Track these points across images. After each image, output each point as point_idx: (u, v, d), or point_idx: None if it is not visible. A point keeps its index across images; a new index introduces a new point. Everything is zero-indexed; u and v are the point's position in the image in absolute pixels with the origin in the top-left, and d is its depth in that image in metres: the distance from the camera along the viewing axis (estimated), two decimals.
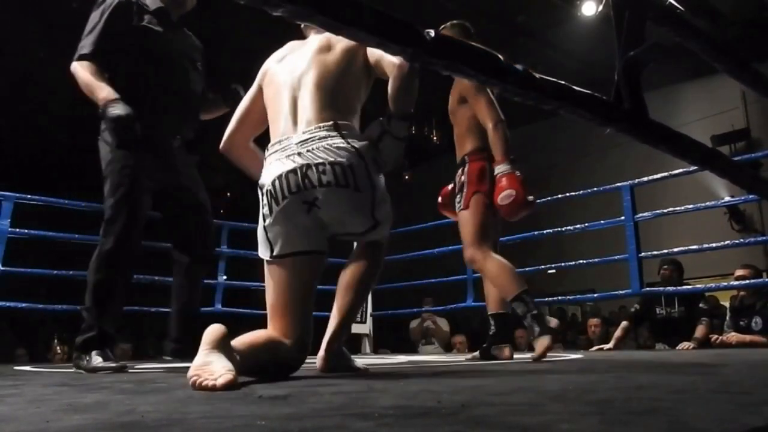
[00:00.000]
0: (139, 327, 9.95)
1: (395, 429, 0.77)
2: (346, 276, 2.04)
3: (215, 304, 4.95)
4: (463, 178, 3.05)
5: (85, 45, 2.53)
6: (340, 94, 1.92)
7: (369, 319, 5.47)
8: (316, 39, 2.01)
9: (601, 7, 7.08)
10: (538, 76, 1.07)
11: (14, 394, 1.42)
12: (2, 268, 3.87)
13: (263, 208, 1.83)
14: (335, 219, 1.82)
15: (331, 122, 1.84)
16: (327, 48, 1.96)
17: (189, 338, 2.55)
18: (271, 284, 1.85)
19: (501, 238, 4.87)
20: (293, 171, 1.77)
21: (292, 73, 1.96)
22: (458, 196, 3.07)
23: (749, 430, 0.71)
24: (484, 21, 7.67)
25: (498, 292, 3.02)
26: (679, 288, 4.59)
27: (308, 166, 1.77)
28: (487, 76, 1.00)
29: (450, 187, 3.26)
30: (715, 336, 4.36)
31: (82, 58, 2.51)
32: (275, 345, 1.73)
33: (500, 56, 1.02)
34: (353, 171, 1.78)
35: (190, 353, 1.74)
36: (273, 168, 1.82)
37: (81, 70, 2.49)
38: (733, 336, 4.24)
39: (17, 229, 4.02)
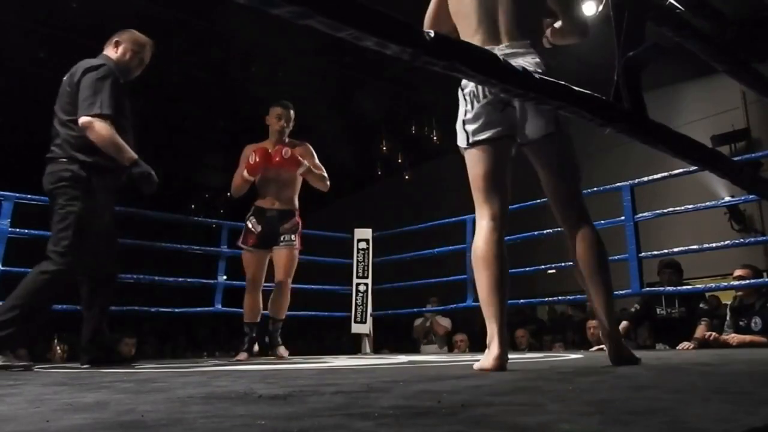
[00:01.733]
0: (140, 327, 9.96)
1: (395, 429, 0.77)
2: (581, 259, 2.09)
3: (215, 304, 4.96)
4: (297, 222, 4.15)
5: (104, 105, 2.88)
6: (532, 17, 2.20)
7: (369, 319, 5.47)
8: None
9: (601, 7, 7.07)
10: (537, 76, 1.07)
11: (14, 393, 1.42)
12: (2, 268, 3.87)
13: (465, 105, 2.12)
14: (523, 119, 2.06)
15: (528, 41, 2.12)
16: None
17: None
18: (471, 172, 2.15)
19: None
20: None
21: None
22: (293, 235, 4.09)
23: (749, 430, 0.71)
24: None
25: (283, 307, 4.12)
26: (679, 288, 4.59)
27: None
28: (487, 76, 1.00)
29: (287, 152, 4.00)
30: (711, 333, 4.35)
31: (104, 117, 2.87)
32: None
33: (500, 56, 1.02)
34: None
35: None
36: None
37: (107, 128, 2.87)
38: (733, 337, 4.23)
39: (17, 229, 4.02)
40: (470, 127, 2.10)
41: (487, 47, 2.03)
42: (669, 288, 4.55)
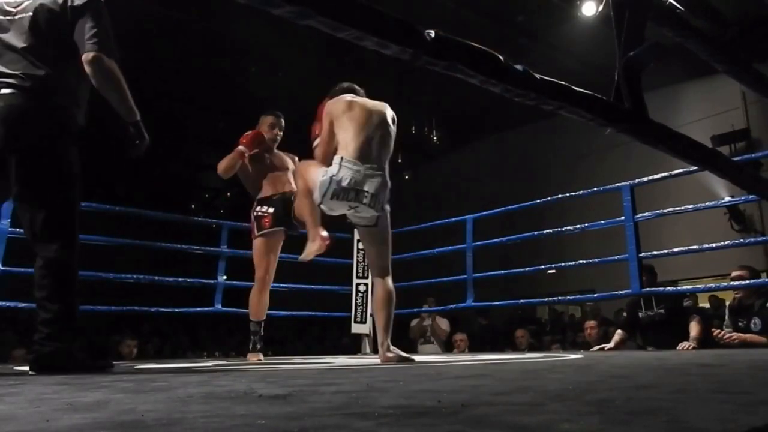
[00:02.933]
0: (140, 327, 9.96)
1: (395, 428, 0.77)
2: (375, 303, 3.24)
3: (215, 304, 4.95)
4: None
5: (111, 43, 2.40)
6: (389, 151, 3.18)
7: (369, 320, 5.47)
8: (383, 105, 3.27)
9: (601, 8, 7.07)
10: (538, 76, 1.07)
11: (14, 393, 1.42)
12: (2, 268, 3.87)
13: (330, 189, 2.93)
14: (361, 219, 3.10)
15: (381, 165, 3.07)
16: (392, 119, 3.26)
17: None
18: (307, 208, 3.13)
19: (503, 239, 5.04)
20: (353, 189, 2.95)
21: (368, 121, 3.11)
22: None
23: (749, 430, 0.71)
24: (483, 21, 7.68)
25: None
26: (678, 288, 4.58)
27: (360, 190, 2.95)
28: (487, 77, 1.00)
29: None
30: (720, 331, 4.33)
31: (112, 56, 2.39)
32: None
33: (500, 56, 1.02)
34: (380, 199, 3.00)
35: None
36: (345, 176, 2.95)
37: (119, 72, 2.41)
38: (735, 336, 4.21)
39: (17, 229, 4.02)
40: (328, 200, 2.96)
41: (356, 160, 2.98)
42: (669, 288, 4.54)
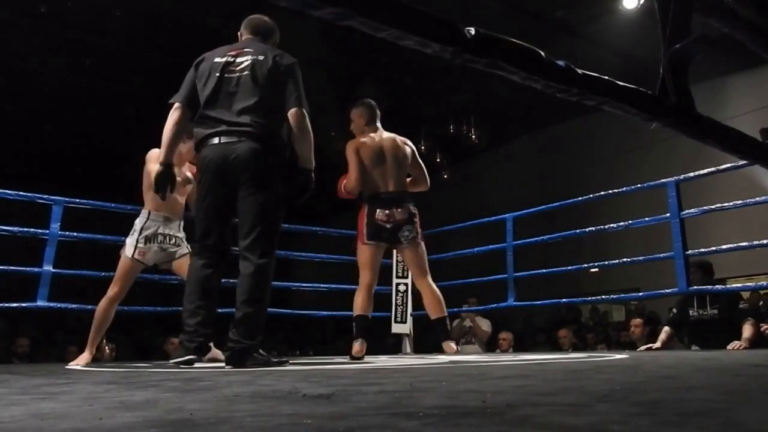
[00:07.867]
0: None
1: (441, 428, 0.77)
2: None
3: None
4: (414, 210, 3.84)
5: (306, 101, 2.87)
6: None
7: (409, 319, 5.46)
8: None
9: (642, 0, 6.92)
10: (580, 71, 1.05)
11: (67, 391, 1.46)
12: (53, 270, 3.99)
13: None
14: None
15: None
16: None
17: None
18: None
19: (545, 236, 4.96)
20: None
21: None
22: (410, 226, 3.79)
23: None
24: (521, 17, 7.60)
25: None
26: (728, 287, 4.45)
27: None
28: (529, 73, 0.99)
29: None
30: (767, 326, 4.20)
31: (307, 112, 2.88)
32: None
33: (542, 52, 1.01)
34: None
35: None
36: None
37: (310, 126, 2.88)
38: None
39: (67, 232, 4.14)
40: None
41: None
42: (717, 287, 4.41)
